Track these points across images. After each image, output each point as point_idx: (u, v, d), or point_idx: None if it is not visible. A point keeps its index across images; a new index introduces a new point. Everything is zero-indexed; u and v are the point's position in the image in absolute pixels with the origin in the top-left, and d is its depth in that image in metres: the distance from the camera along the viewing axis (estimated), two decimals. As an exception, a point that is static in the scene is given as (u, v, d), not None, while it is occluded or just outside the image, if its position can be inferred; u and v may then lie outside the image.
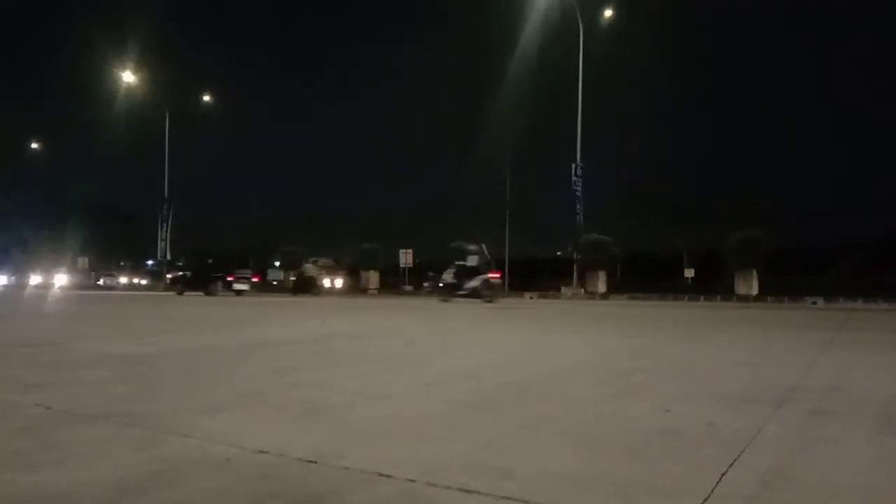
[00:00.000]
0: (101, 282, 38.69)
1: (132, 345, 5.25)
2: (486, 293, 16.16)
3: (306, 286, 26.14)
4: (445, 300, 16.21)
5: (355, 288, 29.54)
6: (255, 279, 26.92)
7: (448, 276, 17.22)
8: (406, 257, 30.43)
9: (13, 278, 44.65)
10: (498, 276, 17.80)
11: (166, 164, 35.34)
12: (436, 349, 5.41)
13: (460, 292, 16.45)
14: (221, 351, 4.98)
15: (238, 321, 8.91)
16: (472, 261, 17.00)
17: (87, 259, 42.25)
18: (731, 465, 1.89)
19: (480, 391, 3.12)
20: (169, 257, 33.94)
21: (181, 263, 28.29)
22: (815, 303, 18.19)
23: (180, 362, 4.18)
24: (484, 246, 17.72)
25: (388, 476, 1.75)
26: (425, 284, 23.75)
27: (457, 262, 17.30)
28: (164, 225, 34.54)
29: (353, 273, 30.99)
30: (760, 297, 20.44)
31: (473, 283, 16.54)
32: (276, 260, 33.34)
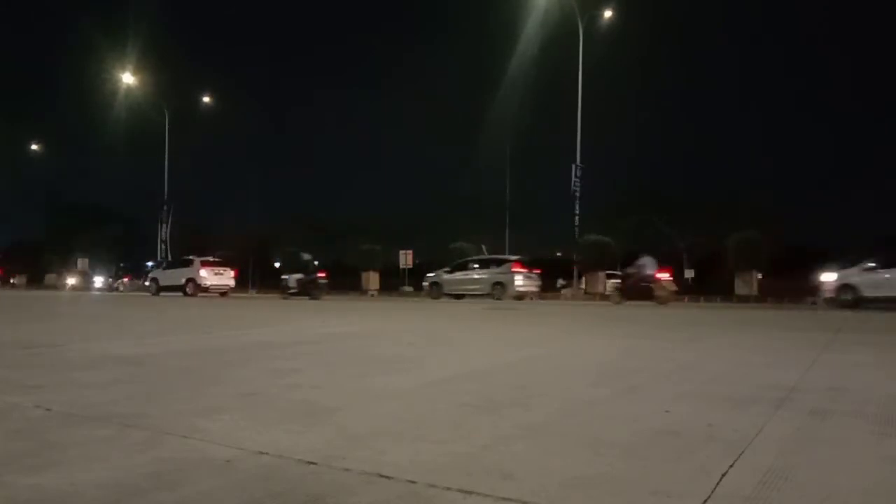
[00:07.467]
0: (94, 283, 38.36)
1: (132, 346, 5.25)
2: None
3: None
4: None
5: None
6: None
7: None
8: (406, 258, 30.44)
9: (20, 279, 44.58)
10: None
11: (166, 165, 35.42)
12: (436, 350, 5.41)
13: None
14: (221, 352, 4.97)
15: (236, 322, 8.90)
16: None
17: (87, 260, 42.20)
18: (732, 465, 1.89)
19: (480, 392, 3.12)
20: (169, 258, 33.94)
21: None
22: (814, 303, 18.18)
23: (180, 363, 4.18)
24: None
25: (389, 477, 1.75)
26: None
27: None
28: (164, 226, 34.56)
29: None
30: (761, 298, 20.46)
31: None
32: (276, 261, 33.41)
